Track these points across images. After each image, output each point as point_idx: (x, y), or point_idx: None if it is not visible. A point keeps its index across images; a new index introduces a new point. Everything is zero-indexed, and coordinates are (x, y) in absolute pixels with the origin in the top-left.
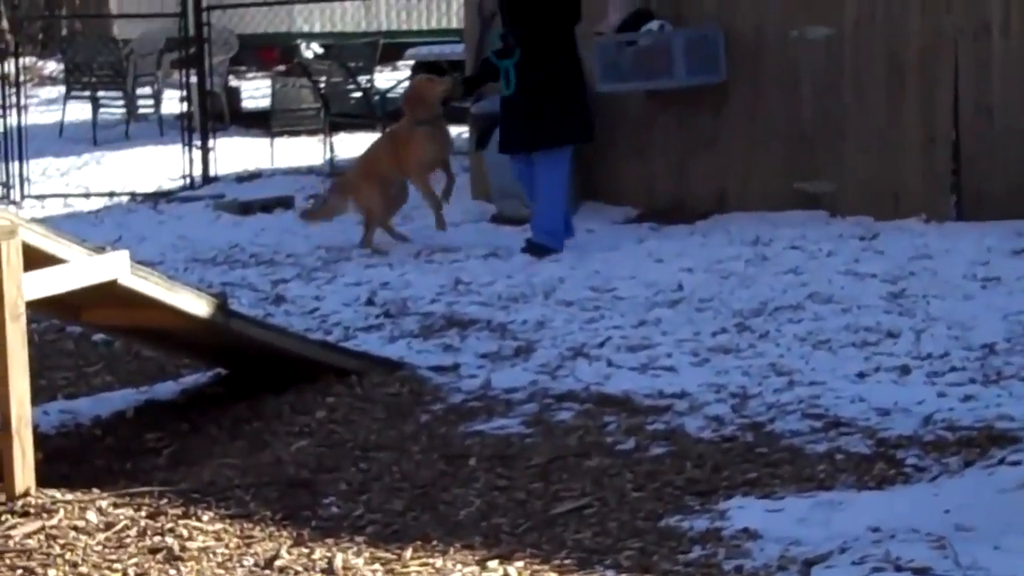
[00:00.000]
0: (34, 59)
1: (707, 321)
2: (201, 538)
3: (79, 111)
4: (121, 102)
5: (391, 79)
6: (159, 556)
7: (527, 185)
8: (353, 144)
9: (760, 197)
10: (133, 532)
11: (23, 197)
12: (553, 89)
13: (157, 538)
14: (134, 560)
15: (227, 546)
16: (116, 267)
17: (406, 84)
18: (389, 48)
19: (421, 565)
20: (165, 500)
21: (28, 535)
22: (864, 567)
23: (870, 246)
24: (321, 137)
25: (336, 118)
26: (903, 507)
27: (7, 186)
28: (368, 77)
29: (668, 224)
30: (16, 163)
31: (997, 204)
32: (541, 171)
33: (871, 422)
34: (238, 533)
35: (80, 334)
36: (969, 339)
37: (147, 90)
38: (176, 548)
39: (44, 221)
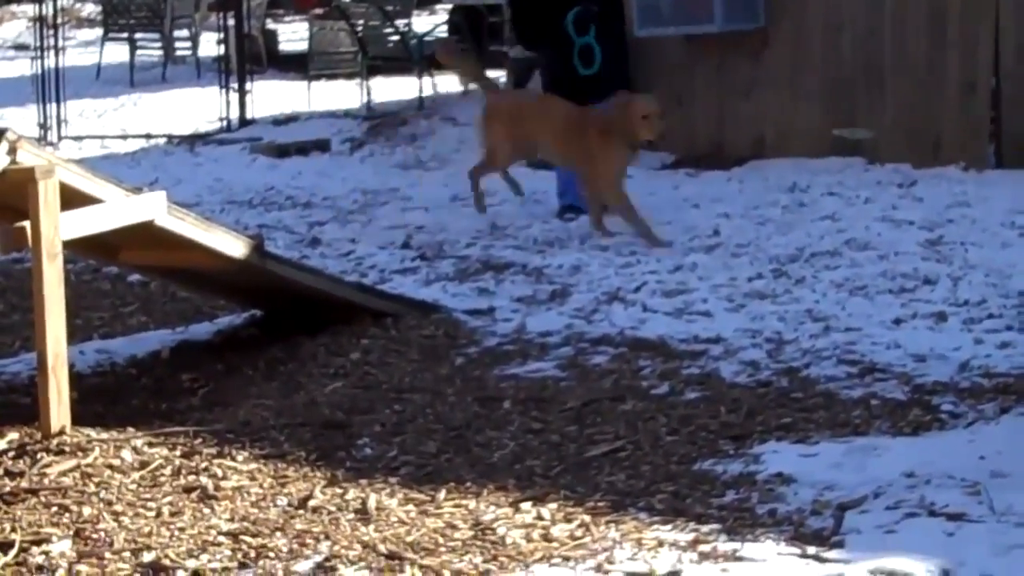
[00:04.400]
0: (72, 1)
1: (743, 266)
2: (235, 477)
3: (116, 53)
4: (158, 44)
5: (429, 23)
6: (193, 495)
7: None
8: (390, 87)
9: (798, 143)
10: (168, 471)
11: (60, 138)
12: (625, 57)
13: (191, 477)
14: (168, 499)
15: (261, 486)
16: (153, 207)
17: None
18: None
19: (454, 507)
20: (200, 440)
21: (63, 473)
22: (898, 512)
23: (908, 193)
24: (358, 80)
25: (373, 61)
26: (938, 453)
27: (45, 127)
28: (406, 20)
29: (705, 170)
30: (53, 105)
31: None
32: None
33: (907, 368)
34: (272, 473)
35: (116, 275)
36: (1006, 286)
37: (184, 32)
38: (210, 487)
39: (81, 162)
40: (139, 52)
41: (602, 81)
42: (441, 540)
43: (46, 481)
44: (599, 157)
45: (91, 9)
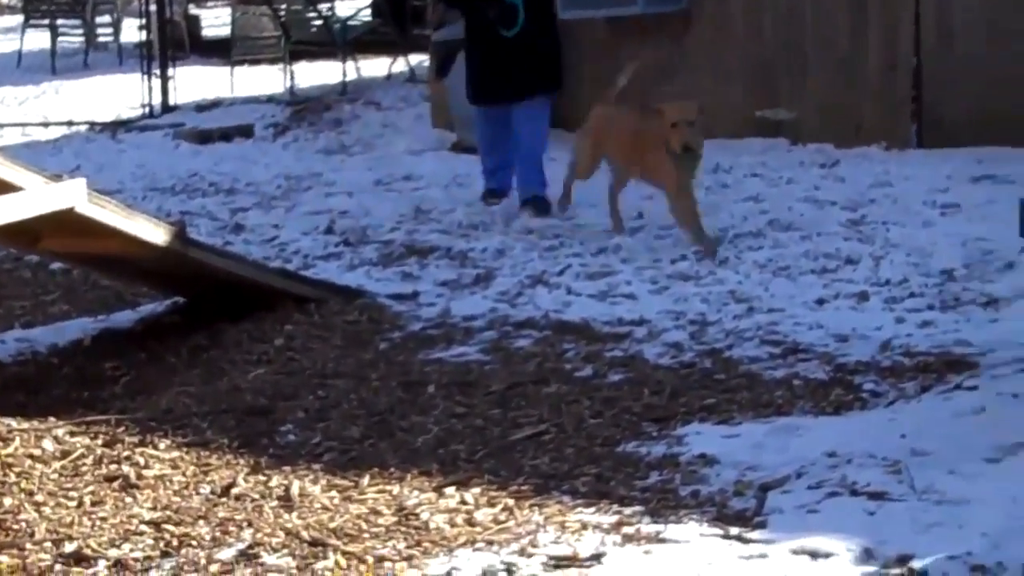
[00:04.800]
0: None
1: (667, 248)
2: (158, 466)
3: (37, 40)
4: (80, 31)
5: (351, 7)
6: (115, 484)
7: (497, 137)
8: (313, 72)
9: (721, 124)
10: (89, 460)
11: None
12: (554, 28)
13: (113, 466)
14: (90, 488)
15: (184, 474)
16: (73, 195)
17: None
18: None
19: (378, 492)
20: (122, 428)
21: None
22: (820, 491)
23: (830, 173)
24: (281, 65)
25: (296, 46)
26: (859, 432)
27: None
28: (328, 5)
29: None
30: None
31: (957, 131)
32: (538, 118)
33: (829, 348)
34: (195, 461)
35: (38, 263)
36: (928, 265)
37: (106, 18)
38: (132, 476)
39: (1, 150)
40: (60, 39)
41: (524, 46)
42: (364, 526)
43: None
44: (652, 169)
45: None
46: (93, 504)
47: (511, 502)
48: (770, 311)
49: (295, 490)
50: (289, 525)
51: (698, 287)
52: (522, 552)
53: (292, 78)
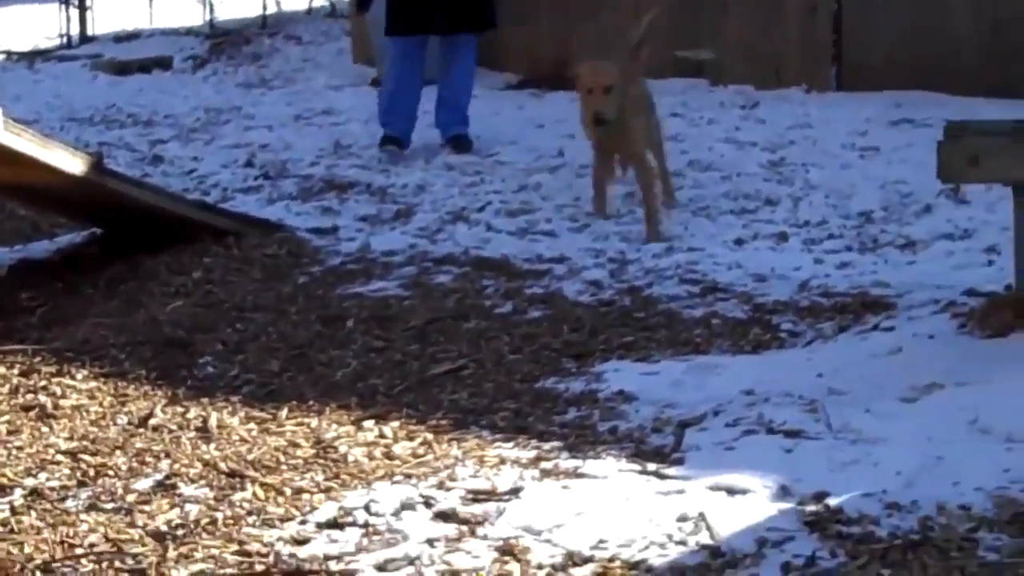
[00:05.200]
0: None
1: (587, 187)
2: (74, 396)
3: None
4: None
5: None
6: (31, 414)
7: (413, 79)
8: (233, 5)
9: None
10: (5, 390)
11: None
12: None
13: (30, 396)
14: (6, 418)
15: (101, 404)
16: None
17: None
18: None
19: (296, 425)
20: (38, 358)
21: None
22: (737, 429)
23: (751, 115)
24: None
25: None
26: (777, 371)
27: None
28: None
29: (550, 91)
30: None
31: (876, 75)
32: (467, 55)
33: (748, 287)
34: (112, 391)
35: None
36: (847, 207)
37: None
38: (49, 406)
39: None
40: None
41: None
42: (283, 458)
43: None
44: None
45: None
46: (9, 433)
47: (430, 436)
48: (690, 250)
49: (213, 422)
50: (207, 456)
51: (618, 226)
52: (440, 486)
53: (212, 11)
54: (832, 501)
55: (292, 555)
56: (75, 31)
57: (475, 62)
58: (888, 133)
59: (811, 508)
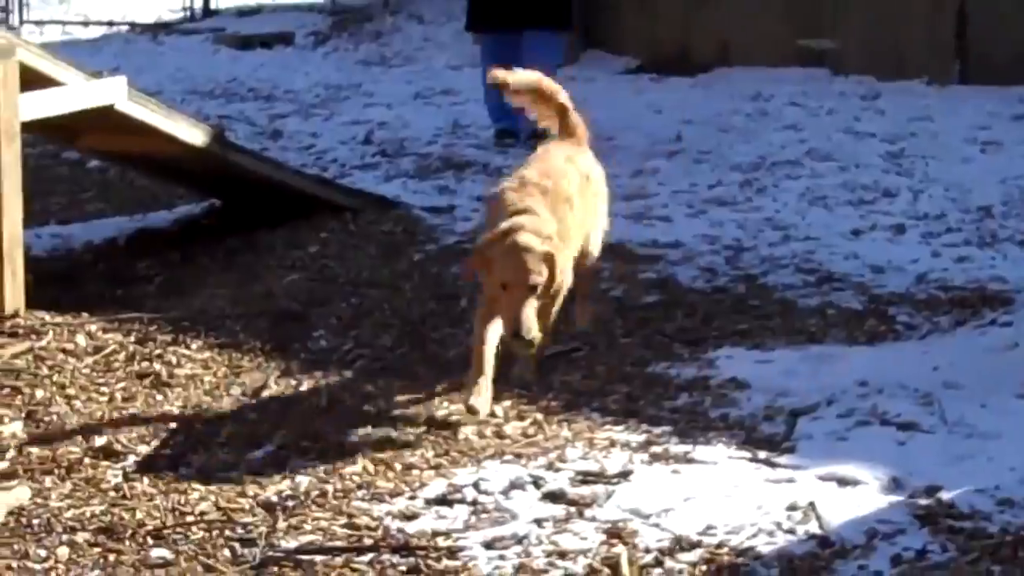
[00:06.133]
0: None
1: (704, 173)
2: (189, 366)
3: None
4: None
5: None
6: (146, 382)
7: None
8: None
9: (763, 52)
10: (121, 357)
11: (22, 22)
12: None
13: (145, 364)
14: (121, 384)
15: (215, 375)
16: (114, 92)
17: None
18: None
19: (408, 402)
20: (154, 327)
21: (16, 355)
22: (850, 420)
23: (871, 106)
24: None
25: None
26: (892, 363)
27: (6, 11)
28: None
29: (669, 76)
30: None
31: (1000, 69)
32: (545, 54)
33: (864, 278)
34: (226, 362)
35: (75, 160)
36: (966, 201)
37: None
38: (164, 374)
39: (43, 47)
40: None
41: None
42: (393, 434)
43: None
44: None
45: None
46: (124, 400)
47: (540, 417)
48: (806, 239)
49: (325, 395)
50: (319, 429)
51: (734, 213)
52: (549, 466)
53: None
54: (944, 495)
55: (400, 530)
56: (198, 5)
57: (558, 59)
58: (1011, 128)
59: (923, 501)
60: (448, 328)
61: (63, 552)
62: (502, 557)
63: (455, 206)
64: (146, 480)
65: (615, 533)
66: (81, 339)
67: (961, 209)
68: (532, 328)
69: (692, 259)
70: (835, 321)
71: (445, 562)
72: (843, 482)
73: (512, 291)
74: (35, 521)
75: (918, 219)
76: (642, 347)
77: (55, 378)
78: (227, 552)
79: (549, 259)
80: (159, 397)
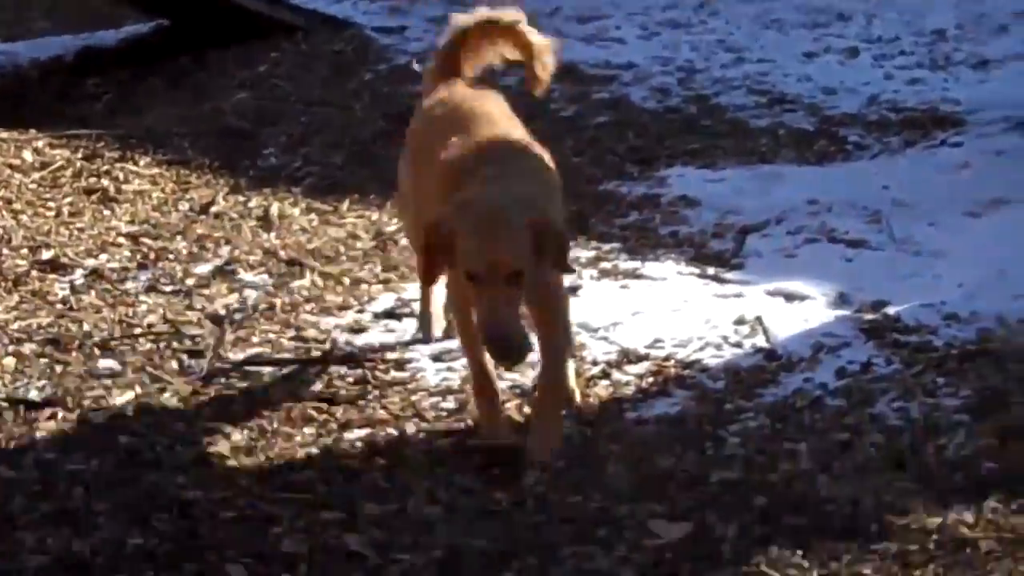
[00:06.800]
0: None
1: None
2: (137, 181)
3: None
4: None
5: None
6: (94, 197)
7: None
8: None
9: None
10: (69, 173)
11: None
12: None
13: (93, 179)
14: (69, 199)
15: (163, 190)
16: None
17: None
18: None
19: (357, 217)
20: (102, 143)
21: None
22: (799, 236)
23: None
24: None
25: None
26: (842, 182)
27: None
28: None
29: None
30: None
31: None
32: None
33: (816, 100)
34: (174, 178)
35: None
36: (920, 24)
37: None
38: (111, 190)
39: None
40: None
41: None
42: (342, 249)
43: None
44: None
45: None
46: (71, 215)
47: None
48: (759, 61)
49: (274, 211)
50: (267, 244)
51: (688, 35)
52: None
53: None
54: (890, 310)
55: (348, 343)
56: None
57: None
58: None
59: (869, 316)
60: (398, 147)
61: (9, 362)
62: (450, 369)
63: (406, 27)
64: (93, 293)
65: None
66: (28, 154)
67: (915, 32)
68: (518, 331)
69: (644, 80)
70: (786, 141)
71: (393, 373)
72: (790, 297)
73: (484, 284)
74: None
75: (871, 42)
76: (593, 165)
77: (1, 192)
78: (174, 364)
79: (543, 230)
80: (107, 212)
